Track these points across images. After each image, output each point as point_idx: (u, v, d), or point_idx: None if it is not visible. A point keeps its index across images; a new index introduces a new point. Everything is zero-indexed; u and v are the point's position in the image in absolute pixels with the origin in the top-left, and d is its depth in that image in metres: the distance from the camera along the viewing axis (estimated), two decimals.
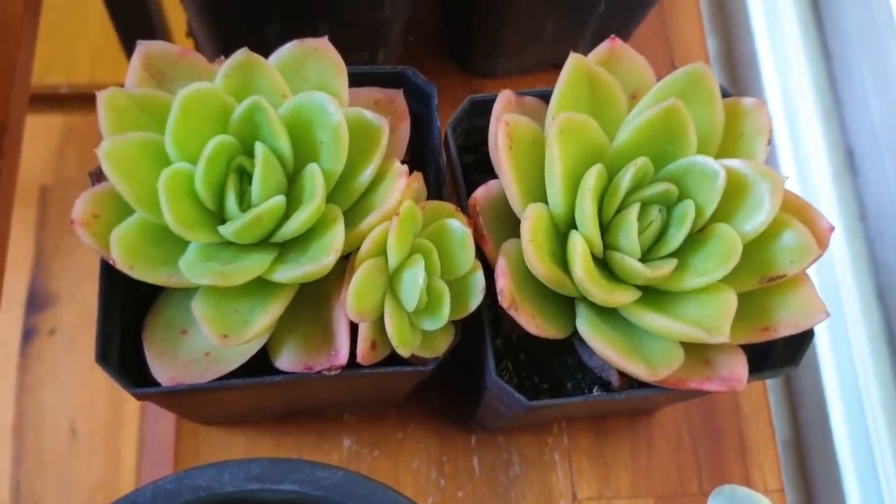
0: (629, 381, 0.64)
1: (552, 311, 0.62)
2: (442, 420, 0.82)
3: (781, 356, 0.67)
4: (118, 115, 0.60)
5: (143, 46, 0.64)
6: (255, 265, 0.58)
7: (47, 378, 0.94)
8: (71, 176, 1.08)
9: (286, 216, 0.60)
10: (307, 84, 0.65)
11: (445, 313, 0.59)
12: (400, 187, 0.59)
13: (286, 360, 0.61)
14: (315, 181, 0.59)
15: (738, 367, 0.62)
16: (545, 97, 0.69)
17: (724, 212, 0.62)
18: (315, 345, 0.61)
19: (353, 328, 0.60)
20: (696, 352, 0.63)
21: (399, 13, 0.84)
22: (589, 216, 0.59)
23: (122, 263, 0.57)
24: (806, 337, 0.65)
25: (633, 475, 0.82)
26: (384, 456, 0.81)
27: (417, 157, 0.71)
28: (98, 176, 0.62)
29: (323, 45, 0.65)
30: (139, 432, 0.92)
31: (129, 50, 1.04)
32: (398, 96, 0.70)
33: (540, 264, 0.58)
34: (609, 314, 0.63)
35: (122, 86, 0.64)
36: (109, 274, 0.62)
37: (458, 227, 0.61)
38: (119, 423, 0.93)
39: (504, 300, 0.58)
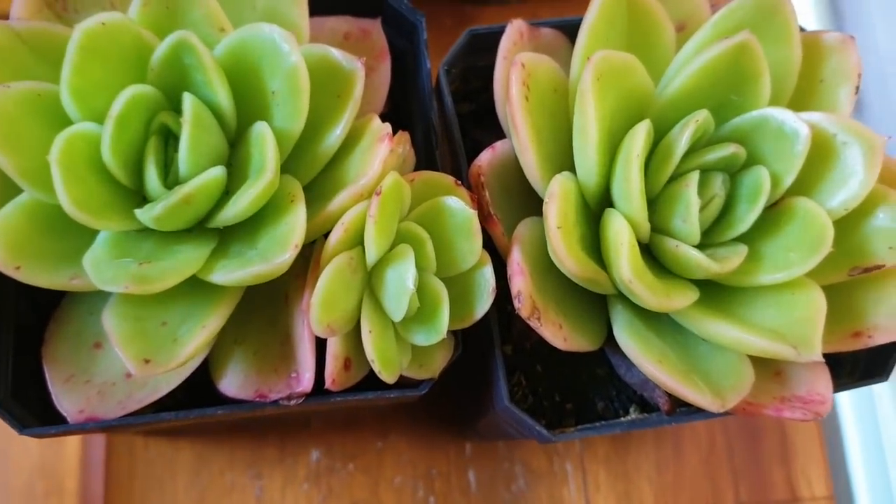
0: (678, 401, 0.50)
1: (581, 315, 0.48)
2: (429, 425, 0.68)
3: (863, 360, 0.53)
4: None
5: None
6: (185, 263, 0.43)
7: None
8: None
9: (227, 192, 0.45)
10: (254, 14, 0.50)
11: (443, 324, 0.44)
12: (381, 155, 0.44)
13: (232, 382, 0.46)
14: (265, 146, 0.43)
15: (820, 382, 0.48)
16: (565, 29, 0.54)
17: (804, 182, 0.48)
18: (270, 362, 0.47)
19: (320, 341, 0.45)
20: (762, 361, 0.49)
21: None
22: (635, 191, 0.45)
23: (5, 262, 0.42)
24: None
25: (658, 488, 0.69)
26: (361, 470, 0.66)
27: (400, 108, 0.56)
28: None
29: None
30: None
31: None
32: (375, 28, 0.54)
33: (573, 261, 0.43)
34: (653, 315, 0.48)
35: (6, 18, 0.48)
36: None
37: (459, 207, 0.45)
38: None
39: (523, 308, 0.43)
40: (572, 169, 0.48)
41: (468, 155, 0.52)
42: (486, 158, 0.49)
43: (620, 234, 0.44)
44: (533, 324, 0.44)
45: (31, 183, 0.42)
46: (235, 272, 0.42)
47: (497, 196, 0.49)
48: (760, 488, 0.70)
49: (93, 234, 0.44)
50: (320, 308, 0.42)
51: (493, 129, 0.54)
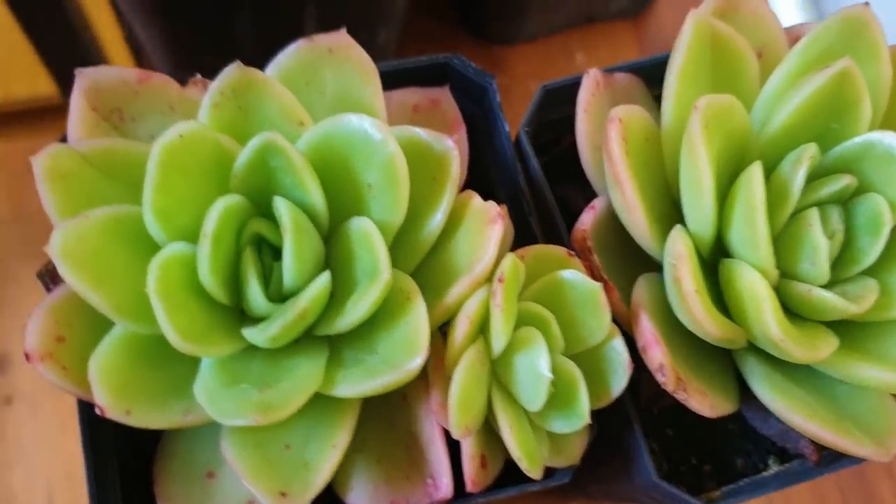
0: (822, 447, 0.47)
1: (714, 375, 0.45)
2: None
3: None
4: (67, 185, 0.41)
5: (85, 78, 0.45)
6: (306, 381, 0.40)
7: (13, 455, 0.76)
8: (2, 214, 0.88)
9: (332, 295, 0.42)
10: (323, 99, 0.47)
11: (584, 408, 0.41)
12: (496, 238, 0.41)
13: (361, 495, 0.43)
14: (373, 245, 0.41)
15: None
16: (637, 71, 0.52)
17: None
18: (399, 469, 0.44)
19: (450, 440, 0.42)
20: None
21: None
22: (763, 239, 0.42)
23: (114, 408, 0.38)
24: None
25: None
26: None
27: (477, 175, 0.53)
28: (52, 276, 0.43)
29: (341, 40, 0.46)
30: None
31: (44, 53, 0.82)
32: (444, 96, 0.51)
33: (713, 323, 0.41)
34: (787, 364, 0.46)
35: (64, 140, 0.45)
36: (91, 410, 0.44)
37: (579, 279, 0.43)
38: None
39: (669, 382, 0.41)
40: (671, 219, 0.46)
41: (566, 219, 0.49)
42: (588, 220, 0.46)
43: (757, 288, 0.41)
44: (680, 396, 0.41)
45: (126, 317, 0.39)
46: (362, 384, 0.39)
47: (603, 258, 0.46)
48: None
49: (195, 360, 0.41)
50: (459, 410, 0.39)
51: (570, 183, 0.52)
